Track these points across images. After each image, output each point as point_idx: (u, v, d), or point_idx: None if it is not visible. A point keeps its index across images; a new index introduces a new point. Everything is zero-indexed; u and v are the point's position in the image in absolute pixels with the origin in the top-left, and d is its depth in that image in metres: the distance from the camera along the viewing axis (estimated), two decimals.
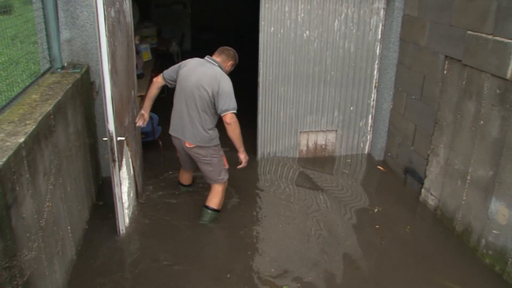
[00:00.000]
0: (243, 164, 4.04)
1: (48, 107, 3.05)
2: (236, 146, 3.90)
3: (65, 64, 4.21)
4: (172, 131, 3.98)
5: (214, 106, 3.73)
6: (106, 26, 3.16)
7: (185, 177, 4.61)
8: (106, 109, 3.39)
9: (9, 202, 2.31)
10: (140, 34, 6.77)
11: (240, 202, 4.59)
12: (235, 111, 3.70)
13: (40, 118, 2.86)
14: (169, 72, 3.95)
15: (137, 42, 5.90)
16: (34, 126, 2.72)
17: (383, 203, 4.66)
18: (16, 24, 3.79)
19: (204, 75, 3.69)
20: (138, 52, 5.98)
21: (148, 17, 9.23)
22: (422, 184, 4.66)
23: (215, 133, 3.88)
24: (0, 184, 2.20)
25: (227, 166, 4.06)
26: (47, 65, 4.04)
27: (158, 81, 4.01)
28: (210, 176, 4.01)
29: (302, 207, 4.52)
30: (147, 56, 6.78)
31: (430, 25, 4.39)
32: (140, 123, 4.08)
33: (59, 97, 3.27)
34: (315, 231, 4.12)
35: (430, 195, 4.52)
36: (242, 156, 3.98)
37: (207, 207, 4.10)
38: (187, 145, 3.86)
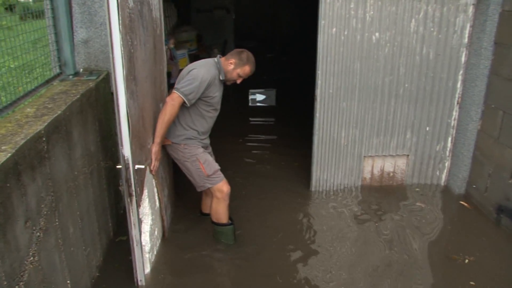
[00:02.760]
0: (152, 159, 3.23)
1: (39, 126, 2.26)
2: (155, 132, 3.24)
3: (81, 70, 3.46)
4: None
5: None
6: (121, 18, 2.35)
7: (206, 203, 3.98)
8: (119, 128, 2.57)
9: None
10: (177, 38, 6.00)
11: (290, 242, 3.69)
12: (182, 97, 3.20)
13: (23, 142, 2.06)
14: None
15: (172, 46, 5.12)
16: (9, 155, 1.92)
17: (473, 250, 3.62)
18: (40, 28, 3.24)
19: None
20: (173, 58, 5.20)
21: (187, 22, 8.57)
22: None
23: (189, 134, 3.44)
24: None
25: (206, 174, 3.47)
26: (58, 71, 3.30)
27: None
28: (192, 182, 3.64)
29: (365, 253, 3.54)
30: (184, 63, 5.97)
31: None
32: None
33: (59, 112, 2.48)
34: None
35: None
36: (153, 150, 3.22)
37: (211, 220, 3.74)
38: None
